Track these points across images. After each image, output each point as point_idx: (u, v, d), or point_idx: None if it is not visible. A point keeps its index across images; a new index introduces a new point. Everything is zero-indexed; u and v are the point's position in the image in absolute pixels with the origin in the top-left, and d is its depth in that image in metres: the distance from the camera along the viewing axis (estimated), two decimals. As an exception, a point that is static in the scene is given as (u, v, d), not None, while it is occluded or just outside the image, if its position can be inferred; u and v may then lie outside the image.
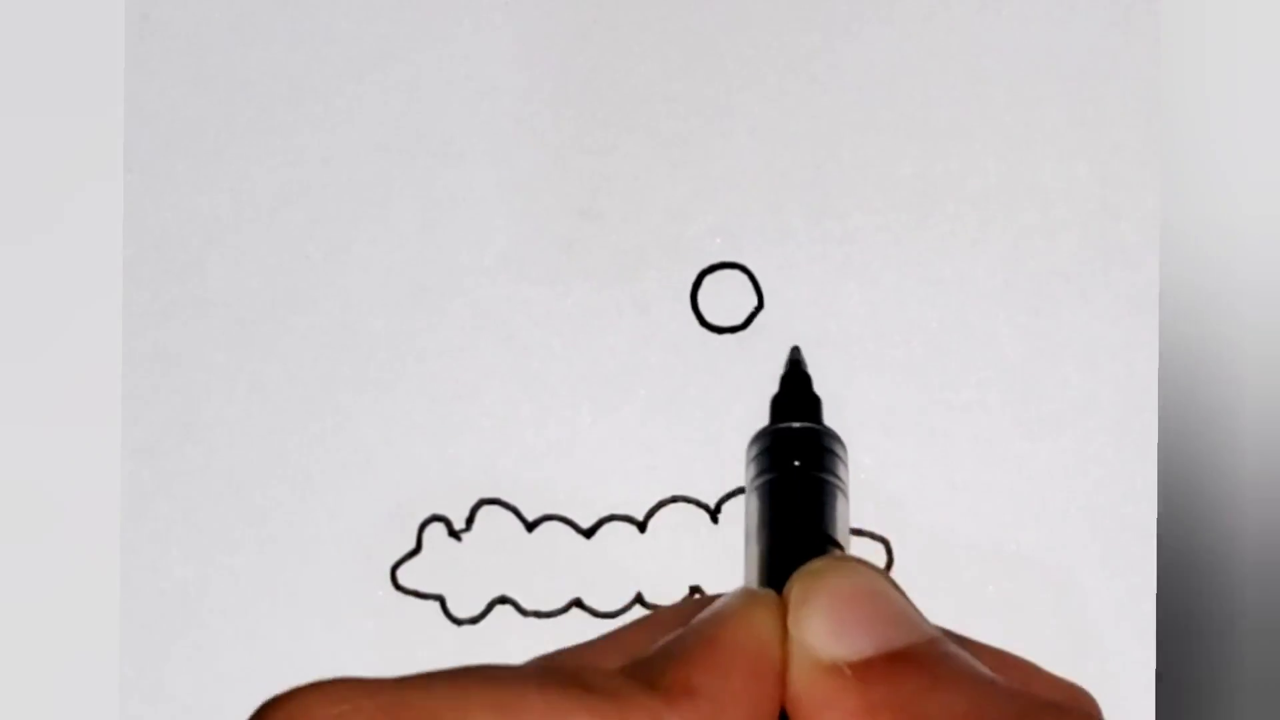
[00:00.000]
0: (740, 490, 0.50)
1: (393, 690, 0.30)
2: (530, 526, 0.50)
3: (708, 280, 0.50)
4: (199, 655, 0.50)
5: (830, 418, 0.50)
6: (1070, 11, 0.50)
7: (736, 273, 0.50)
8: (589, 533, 0.50)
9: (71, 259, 0.51)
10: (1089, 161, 0.50)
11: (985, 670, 0.33)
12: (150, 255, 0.51)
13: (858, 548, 0.50)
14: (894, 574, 0.49)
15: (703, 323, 0.50)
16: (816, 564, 0.35)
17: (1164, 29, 0.50)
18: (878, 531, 0.50)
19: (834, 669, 0.32)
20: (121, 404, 0.50)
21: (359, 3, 0.51)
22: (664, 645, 0.33)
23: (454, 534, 0.50)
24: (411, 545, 0.50)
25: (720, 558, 0.50)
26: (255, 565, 0.50)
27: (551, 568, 0.50)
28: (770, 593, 0.35)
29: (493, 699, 0.30)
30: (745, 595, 0.35)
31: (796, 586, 0.34)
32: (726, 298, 0.50)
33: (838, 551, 0.41)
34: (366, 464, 0.50)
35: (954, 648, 0.33)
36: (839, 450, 0.44)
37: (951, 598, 0.49)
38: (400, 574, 0.50)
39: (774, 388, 0.50)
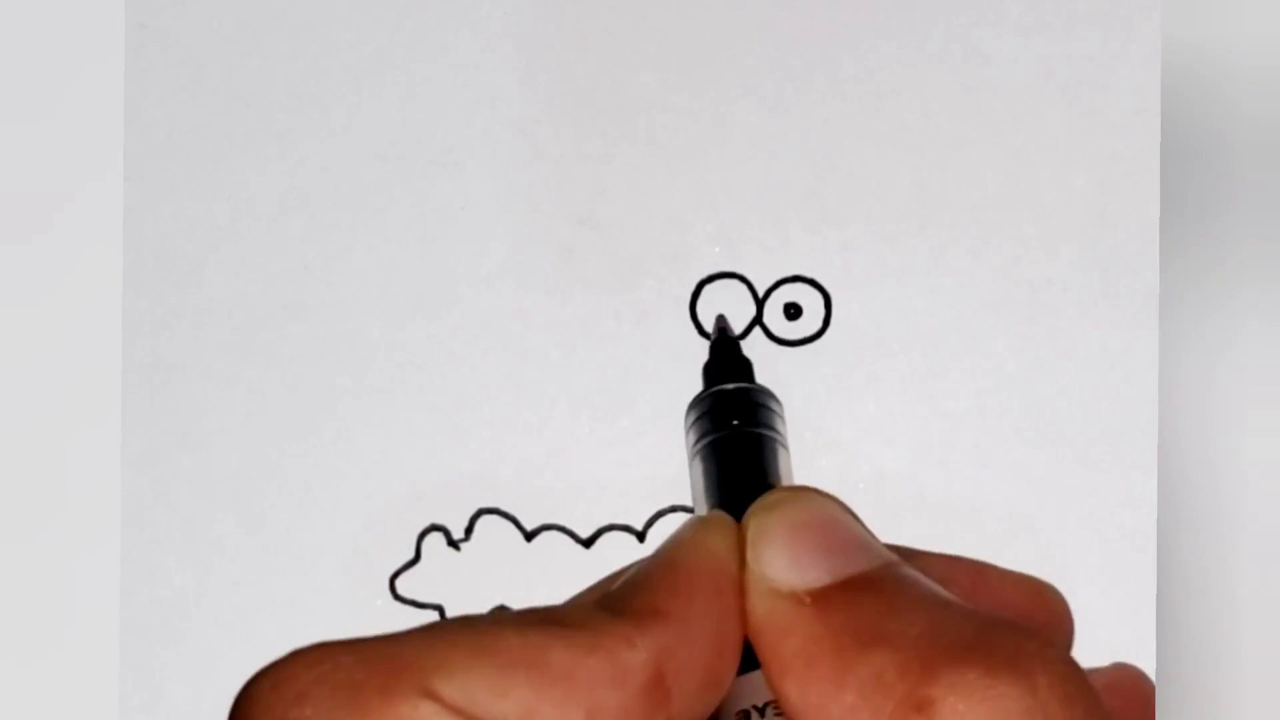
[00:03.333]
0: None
1: (370, 644, 0.30)
2: (529, 536, 0.50)
3: (707, 289, 0.50)
4: (198, 663, 0.50)
5: (829, 426, 0.50)
6: (1069, 22, 0.50)
7: (735, 282, 0.50)
8: (588, 542, 0.50)
9: (71, 267, 0.51)
10: (1088, 171, 0.50)
11: (942, 591, 0.33)
12: (149, 263, 0.51)
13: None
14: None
15: (701, 332, 0.50)
16: (771, 496, 0.36)
17: (1163, 38, 0.50)
18: (877, 541, 0.50)
19: (793, 597, 0.33)
20: (121, 412, 0.50)
21: (358, 12, 0.51)
22: (629, 576, 0.34)
23: (453, 543, 0.50)
24: (410, 555, 0.50)
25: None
26: (254, 574, 0.50)
27: (551, 577, 0.50)
28: (722, 514, 0.36)
29: (468, 641, 0.30)
30: (698, 521, 0.36)
31: (753, 520, 0.35)
32: (725, 307, 0.50)
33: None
34: (365, 473, 0.50)
35: (910, 570, 0.34)
36: (775, 406, 0.45)
37: (950, 607, 0.49)
38: (399, 584, 0.50)
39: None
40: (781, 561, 0.34)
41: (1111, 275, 0.50)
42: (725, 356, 0.48)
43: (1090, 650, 0.49)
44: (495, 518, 0.50)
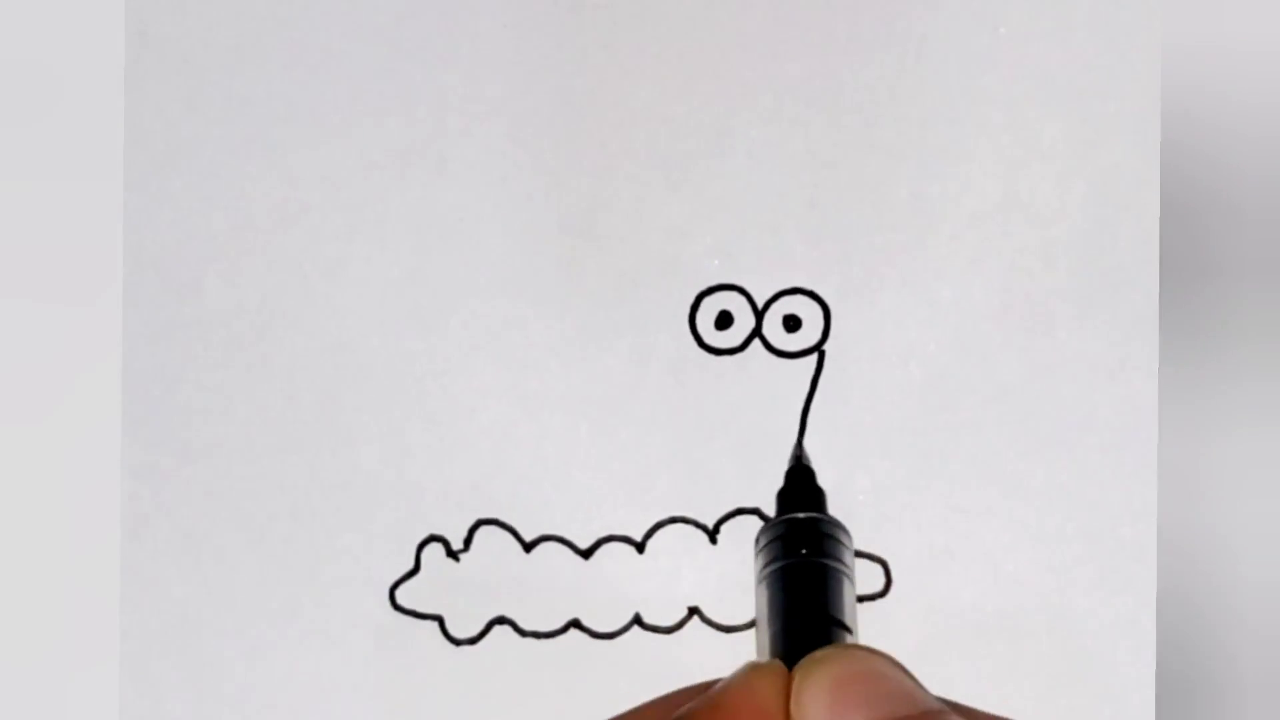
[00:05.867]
0: (739, 511, 0.50)
1: None
2: (528, 547, 0.50)
3: (705, 301, 0.50)
4: (198, 675, 0.50)
5: (828, 438, 0.50)
6: (1068, 31, 0.50)
7: (734, 294, 0.50)
8: (587, 553, 0.50)
9: (70, 278, 0.51)
10: (1087, 181, 0.50)
11: None
12: (149, 273, 0.51)
13: (857, 569, 0.50)
14: (892, 594, 0.49)
15: (701, 344, 0.50)
16: (820, 652, 0.37)
17: (1163, 48, 0.50)
18: (876, 553, 0.50)
19: None
20: (121, 423, 0.50)
21: (357, 22, 0.51)
22: (679, 714, 0.35)
23: (452, 554, 0.50)
24: (410, 565, 0.50)
25: (719, 578, 0.50)
26: (254, 585, 0.50)
27: (550, 588, 0.50)
28: (775, 662, 0.37)
29: None
30: (749, 666, 0.37)
31: (799, 672, 0.36)
32: (724, 319, 0.50)
33: (845, 635, 0.42)
34: (364, 484, 0.50)
35: (954, 717, 0.34)
36: (843, 538, 0.46)
37: (949, 619, 0.49)
38: (399, 594, 0.50)
39: (772, 409, 0.50)
40: (824, 709, 0.34)
41: (1111, 286, 0.50)
42: (800, 485, 0.48)
43: (1090, 662, 0.49)
44: (494, 528, 0.50)
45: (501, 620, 0.50)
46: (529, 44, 0.51)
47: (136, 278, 0.51)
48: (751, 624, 0.50)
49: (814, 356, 0.50)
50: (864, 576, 0.50)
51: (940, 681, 0.49)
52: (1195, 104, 0.50)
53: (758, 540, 0.46)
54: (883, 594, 0.50)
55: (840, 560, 0.45)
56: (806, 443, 0.50)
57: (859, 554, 0.50)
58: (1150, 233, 0.50)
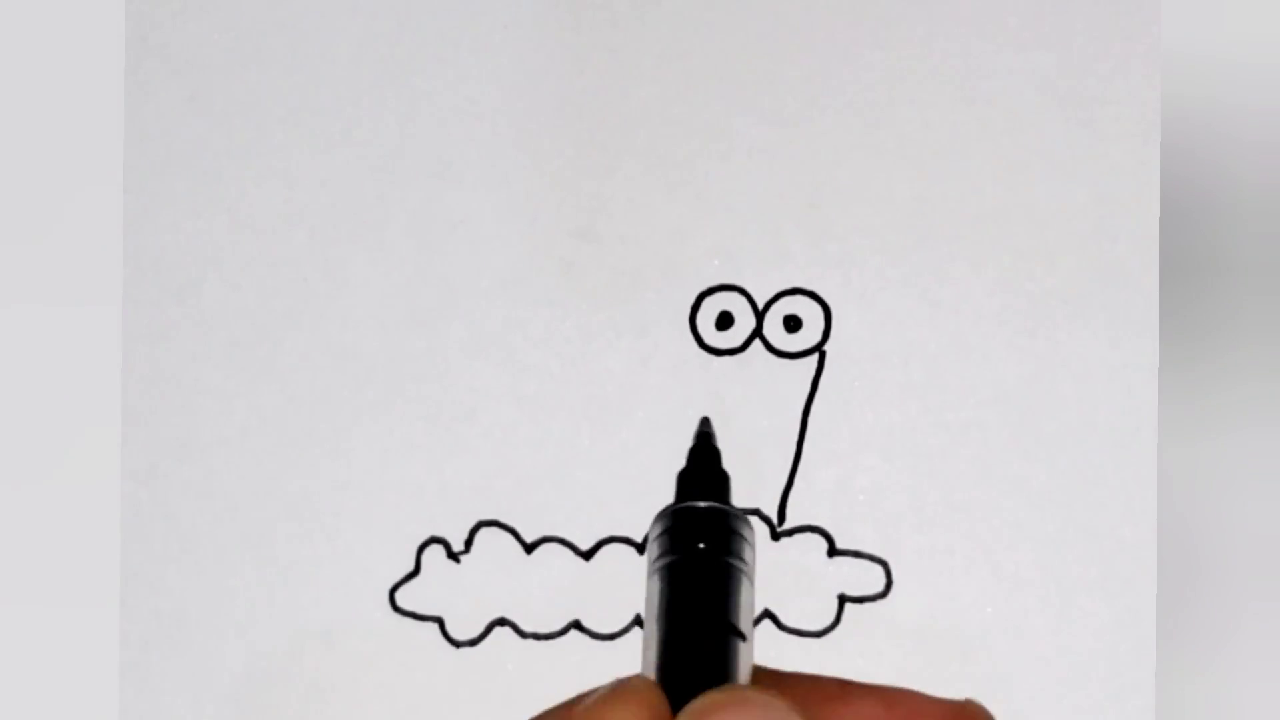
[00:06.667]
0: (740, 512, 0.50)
1: None
2: (529, 548, 0.50)
3: (706, 302, 0.50)
4: (197, 675, 0.50)
5: (828, 439, 0.50)
6: (1068, 34, 0.50)
7: (735, 294, 0.50)
8: (588, 554, 0.50)
9: (70, 280, 0.51)
10: (1087, 183, 0.50)
11: None
12: (149, 276, 0.51)
13: (858, 570, 0.50)
14: (893, 595, 0.49)
15: (701, 344, 0.50)
16: (702, 701, 0.34)
17: (1163, 50, 0.50)
18: (876, 553, 0.50)
19: None
20: (120, 424, 0.50)
21: (357, 26, 0.51)
22: None
23: (453, 556, 0.50)
24: (410, 567, 0.50)
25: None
26: (253, 586, 0.50)
27: (550, 590, 0.50)
28: (643, 681, 0.35)
29: None
30: (617, 688, 0.35)
31: None
32: (725, 320, 0.50)
33: (739, 644, 0.40)
34: (365, 486, 0.50)
35: None
36: (745, 532, 0.43)
37: (950, 619, 0.49)
38: (399, 596, 0.50)
39: (773, 409, 0.50)
40: None
41: (1111, 287, 0.50)
42: (702, 468, 0.46)
43: (1090, 663, 0.49)
44: (495, 530, 0.50)
45: (502, 622, 0.50)
46: (529, 45, 0.51)
47: (136, 278, 0.51)
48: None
49: (815, 357, 0.50)
50: (864, 577, 0.50)
51: (941, 681, 0.49)
52: (1195, 105, 0.50)
53: (653, 526, 0.44)
54: (883, 594, 0.50)
55: (740, 557, 0.42)
56: (807, 444, 0.50)
57: (860, 554, 0.50)
58: (1150, 233, 0.50)
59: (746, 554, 0.43)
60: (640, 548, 0.50)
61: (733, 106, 0.50)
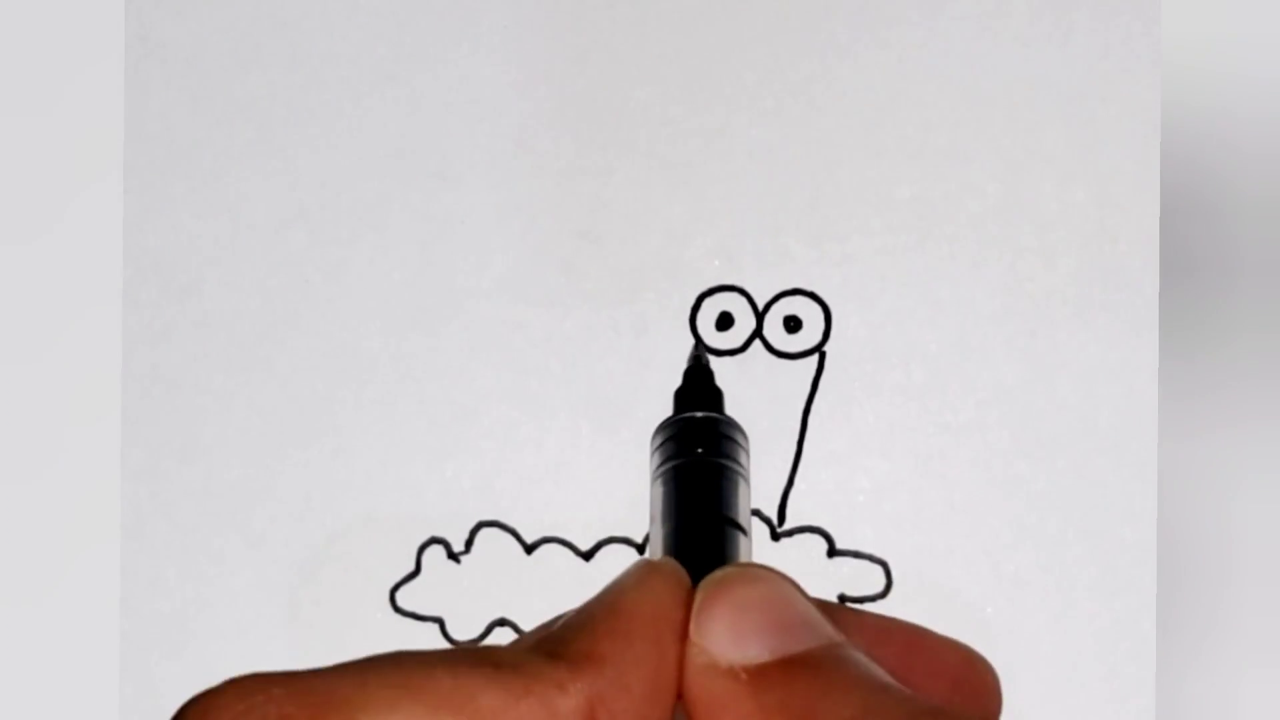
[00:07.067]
0: (741, 512, 0.50)
1: (305, 677, 0.30)
2: (529, 549, 0.50)
3: (706, 302, 0.50)
4: (198, 675, 0.50)
5: (828, 439, 0.50)
6: (1068, 33, 0.50)
7: (735, 295, 0.50)
8: (588, 555, 0.50)
9: (70, 280, 0.51)
10: (1088, 183, 0.50)
11: (880, 674, 0.33)
12: (149, 276, 0.51)
13: (858, 570, 0.50)
14: (893, 595, 0.49)
15: (701, 345, 0.50)
16: (720, 573, 0.35)
17: (1163, 50, 0.50)
18: (876, 553, 0.50)
19: (730, 673, 0.33)
20: (120, 424, 0.50)
21: (357, 25, 0.51)
22: (569, 618, 0.34)
23: (453, 556, 0.50)
24: (410, 567, 0.50)
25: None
26: (254, 587, 0.50)
27: (551, 590, 0.50)
28: (670, 561, 0.36)
29: (399, 679, 0.30)
30: (644, 566, 0.35)
31: (700, 594, 0.35)
32: (725, 320, 0.50)
33: (739, 536, 0.42)
34: (365, 485, 0.50)
35: (852, 652, 0.34)
36: (739, 438, 0.45)
37: (950, 620, 0.49)
38: (399, 596, 0.50)
39: (773, 410, 0.50)
40: (723, 636, 0.33)
41: (1111, 287, 0.50)
42: (697, 384, 0.48)
43: (1090, 663, 0.49)
44: (495, 530, 0.50)
45: (502, 622, 0.50)
46: (529, 45, 0.50)
47: (136, 279, 0.51)
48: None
49: (815, 358, 0.50)
50: (864, 577, 0.50)
51: (941, 682, 0.49)
52: (1195, 105, 0.50)
53: (654, 438, 0.46)
54: (883, 595, 0.50)
55: (735, 460, 0.44)
56: (807, 444, 0.50)
57: (860, 555, 0.50)
58: (1150, 233, 0.50)
59: (741, 458, 0.44)
60: (640, 548, 0.50)
61: (733, 106, 0.50)
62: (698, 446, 0.44)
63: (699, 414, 0.46)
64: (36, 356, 0.51)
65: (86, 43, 0.51)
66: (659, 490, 0.44)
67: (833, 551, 0.50)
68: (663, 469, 0.44)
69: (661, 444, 0.45)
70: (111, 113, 0.51)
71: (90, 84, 0.51)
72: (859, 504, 0.50)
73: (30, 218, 0.51)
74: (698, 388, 0.48)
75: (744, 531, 0.42)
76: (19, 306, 0.51)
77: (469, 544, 0.50)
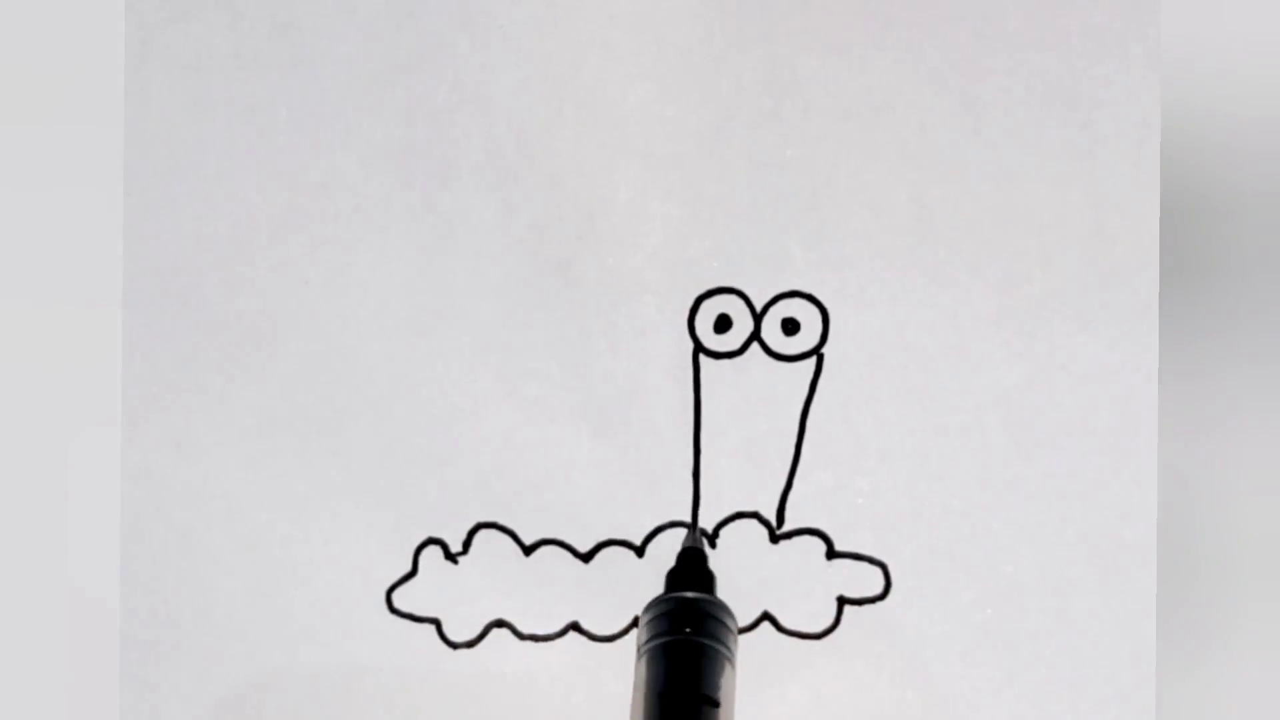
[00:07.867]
0: (738, 515, 0.50)
1: None
2: (528, 550, 0.50)
3: (705, 304, 0.50)
4: (196, 677, 0.50)
5: (827, 441, 0.50)
6: (1066, 37, 0.50)
7: (733, 297, 0.50)
8: (587, 557, 0.50)
9: (71, 283, 0.51)
10: (1086, 186, 0.50)
11: None
12: (149, 278, 0.51)
13: (857, 572, 0.50)
14: (892, 596, 0.50)
15: (700, 347, 0.50)
16: None
17: (1163, 50, 0.50)
18: (875, 556, 0.50)
19: None
20: (120, 426, 0.51)
21: (357, 29, 0.51)
22: None
23: (450, 557, 0.50)
24: (407, 568, 0.50)
25: (718, 581, 0.50)
26: (251, 588, 0.50)
27: (549, 591, 0.50)
28: None
29: None
30: None
31: None
32: (724, 322, 0.50)
33: (716, 714, 0.44)
34: (363, 487, 0.50)
35: None
36: (728, 620, 0.47)
37: (949, 621, 0.49)
38: (395, 597, 0.50)
39: (771, 412, 0.50)
40: None
41: (1110, 290, 0.49)
42: (692, 566, 0.49)
43: (1090, 663, 0.49)
44: (494, 532, 0.50)
45: (500, 623, 0.50)
46: (528, 46, 0.50)
47: (136, 280, 0.51)
48: (751, 628, 0.50)
49: (813, 359, 0.50)
50: (863, 579, 0.50)
51: (941, 681, 0.49)
52: (1195, 106, 0.50)
53: (644, 614, 0.47)
54: (882, 596, 0.50)
55: (723, 643, 0.46)
56: (806, 446, 0.50)
57: (859, 557, 0.50)
58: (1150, 233, 0.50)
59: (729, 641, 0.46)
60: (639, 550, 0.50)
61: (733, 106, 0.50)
62: (686, 627, 0.46)
63: (690, 595, 0.47)
64: (37, 358, 0.51)
65: (87, 45, 0.51)
66: (642, 668, 0.45)
67: (832, 553, 0.50)
68: (649, 646, 0.46)
69: (650, 620, 0.47)
70: (112, 115, 0.51)
71: (90, 86, 0.51)
72: (858, 506, 0.50)
73: (31, 221, 0.51)
74: (692, 570, 0.49)
75: (717, 705, 0.44)
76: (19, 306, 0.51)
77: (467, 545, 0.50)
